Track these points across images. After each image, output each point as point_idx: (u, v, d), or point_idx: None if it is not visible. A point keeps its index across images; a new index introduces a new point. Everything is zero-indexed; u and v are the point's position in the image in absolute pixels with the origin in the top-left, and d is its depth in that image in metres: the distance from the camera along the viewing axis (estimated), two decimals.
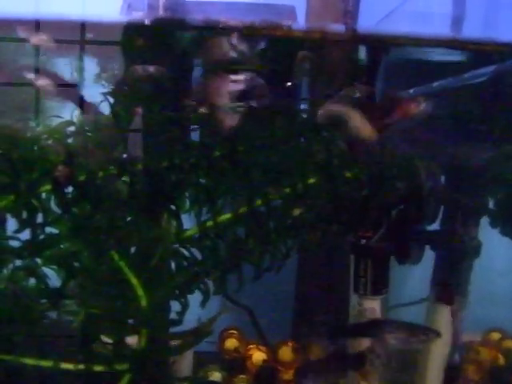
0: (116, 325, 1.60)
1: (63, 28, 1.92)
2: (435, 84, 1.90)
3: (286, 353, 2.38)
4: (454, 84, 1.92)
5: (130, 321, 1.66)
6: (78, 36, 1.89)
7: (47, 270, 1.75)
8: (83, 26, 1.89)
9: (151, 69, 1.81)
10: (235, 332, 2.49)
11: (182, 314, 1.72)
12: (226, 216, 1.79)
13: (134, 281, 1.61)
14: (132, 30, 1.83)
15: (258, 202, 1.78)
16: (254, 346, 2.44)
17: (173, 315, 1.74)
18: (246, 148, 1.80)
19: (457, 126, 1.88)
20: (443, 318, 2.07)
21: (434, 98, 1.86)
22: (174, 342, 1.68)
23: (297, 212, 1.75)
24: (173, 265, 1.78)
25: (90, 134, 1.85)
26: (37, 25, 1.81)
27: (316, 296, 2.60)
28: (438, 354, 2.09)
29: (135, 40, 1.81)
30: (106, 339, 1.62)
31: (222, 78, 1.83)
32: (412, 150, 1.88)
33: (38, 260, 1.70)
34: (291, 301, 2.71)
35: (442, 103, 1.89)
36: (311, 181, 1.78)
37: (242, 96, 1.80)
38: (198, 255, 1.82)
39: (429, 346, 2.05)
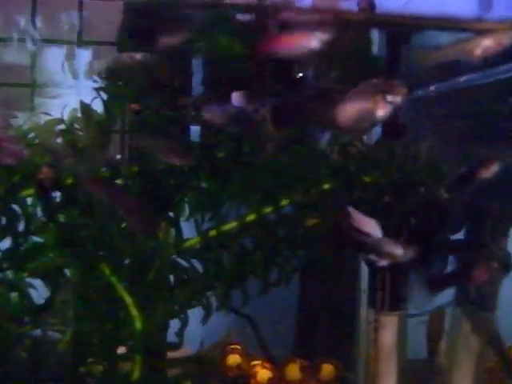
0: (106, 350, 1.42)
1: None
2: (462, 79, 1.73)
3: (293, 371, 2.21)
4: (481, 79, 1.75)
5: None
6: None
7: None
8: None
9: (138, 56, 1.63)
10: (238, 347, 2.32)
11: (181, 333, 1.55)
12: (231, 224, 1.65)
13: (128, 299, 1.45)
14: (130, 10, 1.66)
15: (267, 209, 1.64)
16: (259, 362, 2.27)
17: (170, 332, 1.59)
18: (253, 149, 1.64)
19: (483, 125, 1.71)
20: (468, 324, 1.92)
21: (460, 95, 1.70)
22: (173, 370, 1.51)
23: (311, 221, 1.58)
24: (171, 278, 1.63)
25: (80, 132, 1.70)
26: None
27: (320, 308, 2.47)
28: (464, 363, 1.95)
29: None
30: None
31: None
32: (435, 153, 1.71)
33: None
34: (294, 312, 2.58)
35: (468, 100, 1.72)
36: (326, 186, 1.63)
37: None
38: (200, 267, 1.68)
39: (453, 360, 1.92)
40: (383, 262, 1.47)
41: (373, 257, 1.48)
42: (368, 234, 1.39)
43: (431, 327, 1.93)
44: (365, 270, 2.23)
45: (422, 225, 1.78)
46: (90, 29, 1.87)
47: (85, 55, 1.90)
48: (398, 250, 1.41)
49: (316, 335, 2.47)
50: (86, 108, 1.69)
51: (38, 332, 1.59)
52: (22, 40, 1.82)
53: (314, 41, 1.29)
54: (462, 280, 1.73)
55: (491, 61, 1.45)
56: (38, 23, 1.84)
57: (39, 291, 1.63)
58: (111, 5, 1.83)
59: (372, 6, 1.67)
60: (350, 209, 1.43)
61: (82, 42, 1.84)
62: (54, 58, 1.92)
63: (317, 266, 2.24)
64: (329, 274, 2.35)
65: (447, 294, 1.98)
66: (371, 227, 1.41)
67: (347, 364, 2.25)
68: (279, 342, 2.42)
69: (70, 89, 1.88)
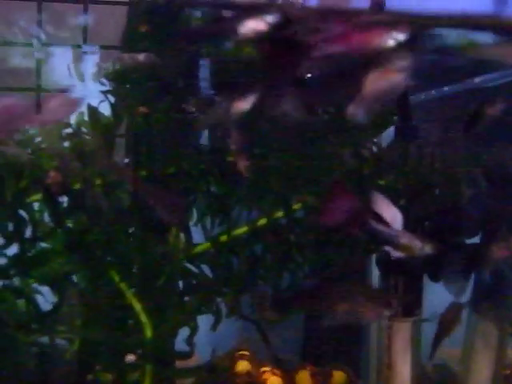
0: (115, 358, 1.38)
1: None
2: (481, 79, 1.68)
3: (303, 378, 2.17)
4: (503, 79, 1.70)
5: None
6: None
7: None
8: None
9: (140, 57, 1.60)
10: (247, 353, 2.27)
11: (191, 341, 1.51)
12: (242, 229, 1.61)
13: (138, 306, 1.41)
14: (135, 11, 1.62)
15: (278, 212, 1.60)
16: (269, 369, 2.22)
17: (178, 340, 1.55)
18: (264, 152, 1.60)
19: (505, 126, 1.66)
20: (485, 330, 1.87)
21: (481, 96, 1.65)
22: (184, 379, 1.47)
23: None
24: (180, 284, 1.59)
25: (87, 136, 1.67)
26: None
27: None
28: (480, 370, 1.89)
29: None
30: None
31: None
32: (452, 155, 1.67)
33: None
34: (302, 317, 2.54)
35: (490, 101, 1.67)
36: None
37: None
38: (209, 273, 1.65)
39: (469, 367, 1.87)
40: (397, 255, 1.42)
41: (388, 248, 1.42)
42: (387, 223, 1.33)
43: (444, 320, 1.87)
44: (375, 274, 2.19)
45: (438, 229, 1.74)
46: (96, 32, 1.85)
47: (91, 58, 1.88)
48: (416, 243, 1.35)
49: (324, 340, 2.44)
50: (93, 111, 1.66)
51: (45, 340, 1.56)
52: (28, 43, 1.80)
53: (389, 39, 1.26)
54: (483, 258, 1.67)
55: None
56: (44, 26, 1.83)
57: (47, 298, 1.60)
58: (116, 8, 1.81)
59: (382, 6, 1.63)
60: (375, 193, 1.37)
61: (88, 45, 1.81)
62: (60, 61, 1.89)
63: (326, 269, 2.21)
64: (337, 277, 2.32)
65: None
66: (392, 216, 1.35)
67: (356, 370, 2.22)
68: (288, 348, 2.38)
69: (78, 92, 1.86)
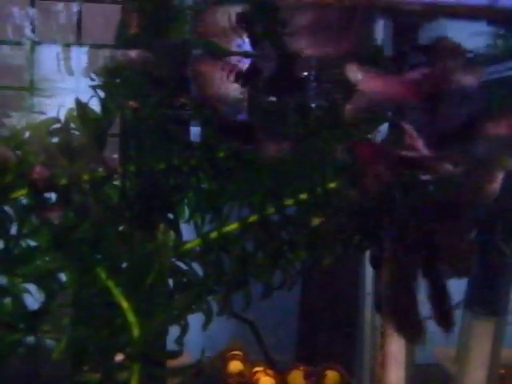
0: (102, 358, 1.35)
1: None
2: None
3: (296, 378, 2.15)
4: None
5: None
6: None
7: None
8: None
9: (133, 53, 1.58)
10: (239, 353, 2.25)
11: (181, 340, 1.48)
12: (233, 226, 1.58)
13: (125, 304, 1.38)
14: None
15: (270, 209, 1.57)
16: (261, 369, 2.20)
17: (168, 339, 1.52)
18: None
19: None
20: (481, 332, 1.85)
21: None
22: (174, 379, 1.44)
23: (316, 221, 1.51)
24: (170, 283, 1.56)
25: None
26: None
27: (322, 311, 2.42)
28: (475, 370, 1.87)
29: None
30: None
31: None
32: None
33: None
34: (295, 315, 2.52)
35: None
36: (332, 185, 1.56)
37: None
38: (200, 271, 1.62)
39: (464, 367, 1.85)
40: (427, 177, 1.38)
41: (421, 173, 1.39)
42: (418, 150, 1.30)
43: None
44: (369, 273, 2.17)
45: (430, 225, 1.72)
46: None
47: (82, 54, 1.86)
48: (446, 165, 1.31)
49: (318, 340, 2.43)
50: (81, 106, 1.63)
51: (32, 339, 1.53)
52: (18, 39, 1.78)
53: None
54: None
55: None
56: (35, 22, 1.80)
57: (35, 297, 1.57)
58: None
59: None
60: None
61: (79, 42, 1.79)
62: (50, 56, 1.87)
63: (318, 268, 2.19)
64: (330, 276, 2.30)
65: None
66: (420, 143, 1.33)
67: (350, 370, 2.22)
68: (281, 348, 2.37)
69: (67, 88, 1.84)
